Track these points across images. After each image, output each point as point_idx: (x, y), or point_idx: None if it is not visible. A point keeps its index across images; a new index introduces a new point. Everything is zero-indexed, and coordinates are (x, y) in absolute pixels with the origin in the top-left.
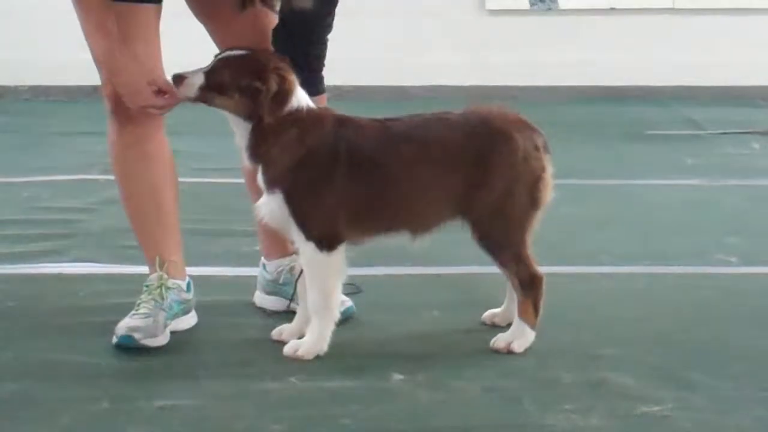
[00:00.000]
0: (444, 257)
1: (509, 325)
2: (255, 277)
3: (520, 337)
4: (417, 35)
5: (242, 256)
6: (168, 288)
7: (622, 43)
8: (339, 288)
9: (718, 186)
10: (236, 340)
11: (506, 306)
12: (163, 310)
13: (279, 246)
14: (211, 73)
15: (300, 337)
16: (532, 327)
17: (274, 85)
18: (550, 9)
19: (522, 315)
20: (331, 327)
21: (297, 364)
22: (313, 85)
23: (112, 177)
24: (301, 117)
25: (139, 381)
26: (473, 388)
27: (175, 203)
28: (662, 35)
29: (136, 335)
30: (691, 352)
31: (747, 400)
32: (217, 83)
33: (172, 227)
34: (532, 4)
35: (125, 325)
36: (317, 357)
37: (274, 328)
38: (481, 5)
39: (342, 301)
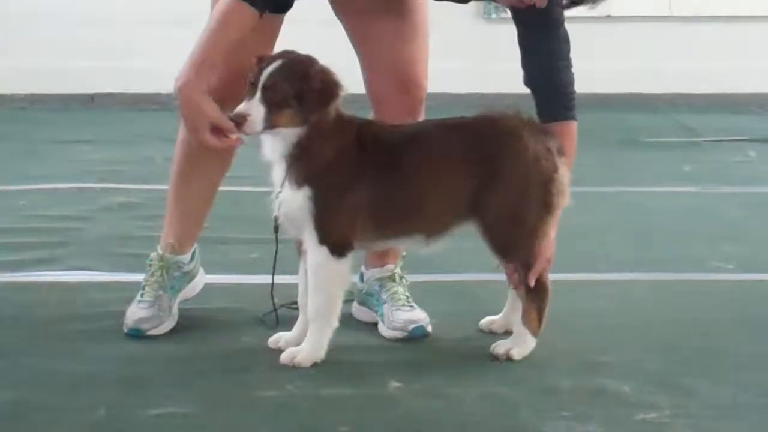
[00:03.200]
0: (442, 264)
1: (507, 332)
2: (252, 285)
3: (521, 344)
4: None
5: (239, 264)
6: (168, 267)
7: (618, 51)
8: (341, 297)
9: (715, 193)
10: (233, 347)
11: (505, 313)
12: (166, 292)
13: (376, 256)
14: (266, 95)
15: (297, 345)
16: (534, 335)
17: (318, 84)
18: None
19: (525, 322)
20: (330, 335)
21: (294, 371)
22: (557, 110)
23: (108, 185)
24: (338, 118)
25: (136, 389)
26: (471, 396)
27: (215, 191)
28: (659, 43)
29: (144, 326)
30: (688, 359)
31: (744, 406)
32: (278, 102)
33: (200, 217)
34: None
35: (132, 315)
36: (314, 364)
37: (272, 335)
38: (479, 13)
39: (412, 319)
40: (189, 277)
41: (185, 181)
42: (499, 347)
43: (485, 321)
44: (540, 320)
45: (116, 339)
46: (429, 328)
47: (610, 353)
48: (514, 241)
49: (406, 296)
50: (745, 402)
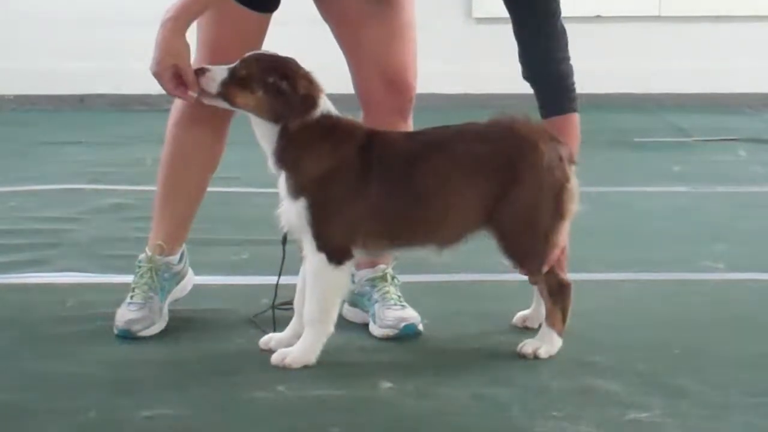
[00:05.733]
0: (434, 265)
1: (541, 325)
2: (243, 286)
3: (548, 343)
4: None
5: (230, 266)
6: (158, 269)
7: (608, 51)
8: (338, 303)
9: (705, 193)
10: (224, 349)
11: (535, 307)
12: (156, 293)
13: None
14: (236, 68)
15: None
16: (560, 334)
17: (302, 88)
18: None
19: (550, 322)
20: (323, 341)
21: (285, 372)
22: (559, 103)
23: (99, 186)
24: (332, 125)
25: (127, 391)
26: (462, 396)
27: (200, 201)
28: (648, 43)
29: (134, 328)
30: (679, 359)
31: (735, 406)
32: (242, 78)
33: (188, 217)
34: None
35: (122, 317)
36: (304, 366)
37: (263, 337)
38: (468, 13)
39: (404, 317)
40: (178, 277)
41: (173, 182)
42: (527, 347)
43: (518, 317)
44: (564, 319)
45: (107, 341)
46: (420, 327)
47: (600, 353)
48: (529, 248)
49: (398, 296)
50: (736, 401)
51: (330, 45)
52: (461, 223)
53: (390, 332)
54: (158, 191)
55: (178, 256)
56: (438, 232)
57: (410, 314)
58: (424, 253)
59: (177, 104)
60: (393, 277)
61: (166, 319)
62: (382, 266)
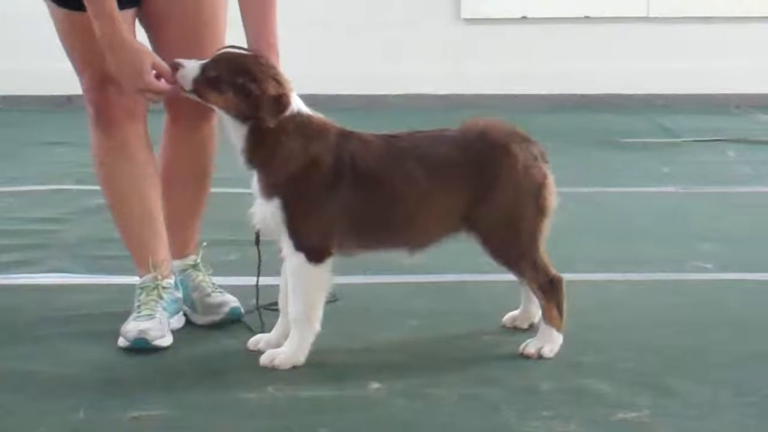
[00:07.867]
0: (423, 266)
1: (530, 326)
2: (230, 286)
3: (549, 341)
4: (393, 44)
5: (216, 266)
6: (164, 288)
7: (596, 52)
8: (322, 301)
9: (694, 193)
10: (212, 349)
11: (524, 308)
12: (165, 309)
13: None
14: (207, 66)
15: (277, 347)
16: (559, 330)
17: (272, 89)
18: None
19: (547, 319)
20: (311, 339)
21: (274, 373)
22: None
23: (86, 187)
24: (304, 124)
25: (115, 391)
26: (451, 396)
27: (159, 204)
28: (636, 44)
29: (149, 336)
30: (667, 359)
31: (724, 405)
32: (212, 78)
33: (160, 228)
34: None
35: (134, 328)
36: (294, 366)
37: (251, 337)
38: (456, 14)
39: (226, 301)
40: (177, 307)
41: (128, 222)
42: (530, 347)
43: (508, 317)
44: (561, 314)
45: (94, 342)
46: (242, 309)
47: (589, 353)
48: (514, 248)
49: (213, 283)
50: (725, 401)
51: (340, 49)
52: (431, 227)
53: (215, 318)
54: (120, 229)
55: (173, 282)
56: (407, 235)
57: (231, 298)
58: (395, 255)
59: (96, 155)
60: (202, 266)
61: (171, 338)
62: (192, 257)
